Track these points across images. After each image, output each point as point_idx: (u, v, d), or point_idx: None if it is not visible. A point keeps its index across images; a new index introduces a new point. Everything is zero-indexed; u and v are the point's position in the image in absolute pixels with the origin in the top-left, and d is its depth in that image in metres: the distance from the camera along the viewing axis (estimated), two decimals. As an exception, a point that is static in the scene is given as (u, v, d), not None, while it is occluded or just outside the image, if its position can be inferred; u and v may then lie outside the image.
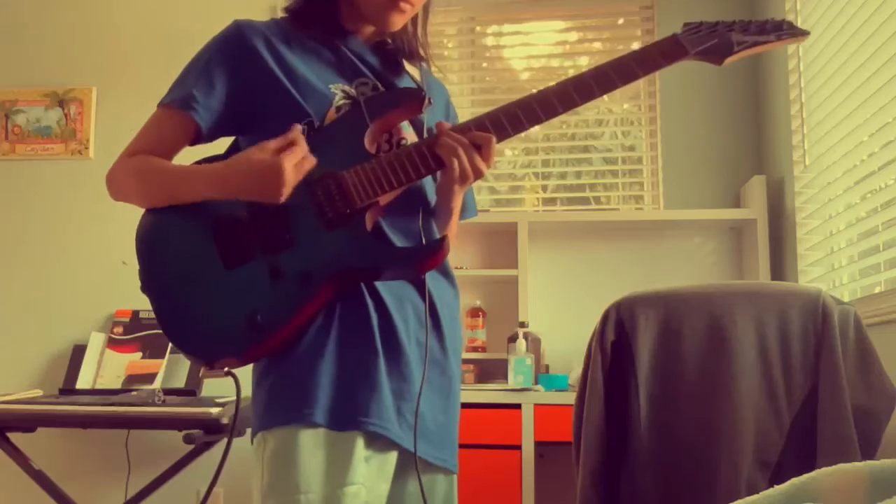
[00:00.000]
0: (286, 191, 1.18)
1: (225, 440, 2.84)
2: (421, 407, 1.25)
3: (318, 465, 1.16)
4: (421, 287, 1.29)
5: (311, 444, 1.17)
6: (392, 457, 1.25)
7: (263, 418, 1.22)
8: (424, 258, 1.24)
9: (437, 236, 1.35)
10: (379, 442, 1.22)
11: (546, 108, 1.23)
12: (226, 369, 1.22)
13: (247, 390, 1.30)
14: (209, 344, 1.22)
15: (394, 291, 1.27)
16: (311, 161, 1.20)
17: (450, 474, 1.34)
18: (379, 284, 1.26)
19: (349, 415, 1.19)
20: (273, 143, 1.18)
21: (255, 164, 1.18)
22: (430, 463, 1.29)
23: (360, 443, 1.18)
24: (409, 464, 1.26)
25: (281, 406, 1.20)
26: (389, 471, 1.25)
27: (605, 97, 3.53)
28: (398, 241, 1.28)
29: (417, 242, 1.30)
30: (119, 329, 3.13)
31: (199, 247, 1.23)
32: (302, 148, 1.19)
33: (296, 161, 1.17)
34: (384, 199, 1.25)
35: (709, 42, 1.25)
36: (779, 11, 2.90)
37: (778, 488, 0.86)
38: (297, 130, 1.21)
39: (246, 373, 1.28)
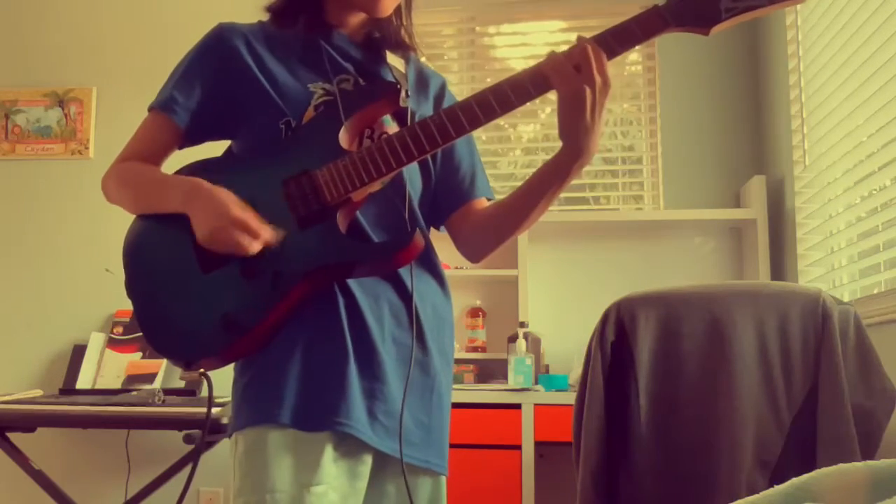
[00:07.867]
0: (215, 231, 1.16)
1: (225, 440, 2.86)
2: (398, 407, 1.24)
3: (285, 466, 1.16)
4: (398, 284, 1.27)
5: (279, 444, 1.17)
6: (366, 458, 1.23)
7: (235, 420, 1.23)
8: (395, 251, 1.21)
9: (425, 231, 1.34)
10: (350, 443, 1.20)
11: (519, 93, 1.17)
12: (200, 371, 1.23)
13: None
14: (184, 346, 1.23)
15: (369, 290, 1.25)
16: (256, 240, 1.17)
17: (436, 476, 1.31)
18: (353, 283, 1.24)
19: (317, 415, 1.18)
20: (238, 212, 1.16)
21: (213, 203, 1.17)
22: (411, 465, 1.26)
23: (328, 443, 1.18)
24: (387, 465, 1.25)
25: (251, 407, 1.21)
26: (364, 472, 1.23)
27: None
28: (379, 237, 1.26)
29: (393, 237, 1.27)
30: (119, 329, 3.13)
31: (178, 253, 1.23)
32: (256, 229, 1.16)
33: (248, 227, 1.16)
34: (358, 195, 1.22)
35: (693, 10, 1.15)
36: (778, 11, 2.90)
37: (778, 488, 0.86)
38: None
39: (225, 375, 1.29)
